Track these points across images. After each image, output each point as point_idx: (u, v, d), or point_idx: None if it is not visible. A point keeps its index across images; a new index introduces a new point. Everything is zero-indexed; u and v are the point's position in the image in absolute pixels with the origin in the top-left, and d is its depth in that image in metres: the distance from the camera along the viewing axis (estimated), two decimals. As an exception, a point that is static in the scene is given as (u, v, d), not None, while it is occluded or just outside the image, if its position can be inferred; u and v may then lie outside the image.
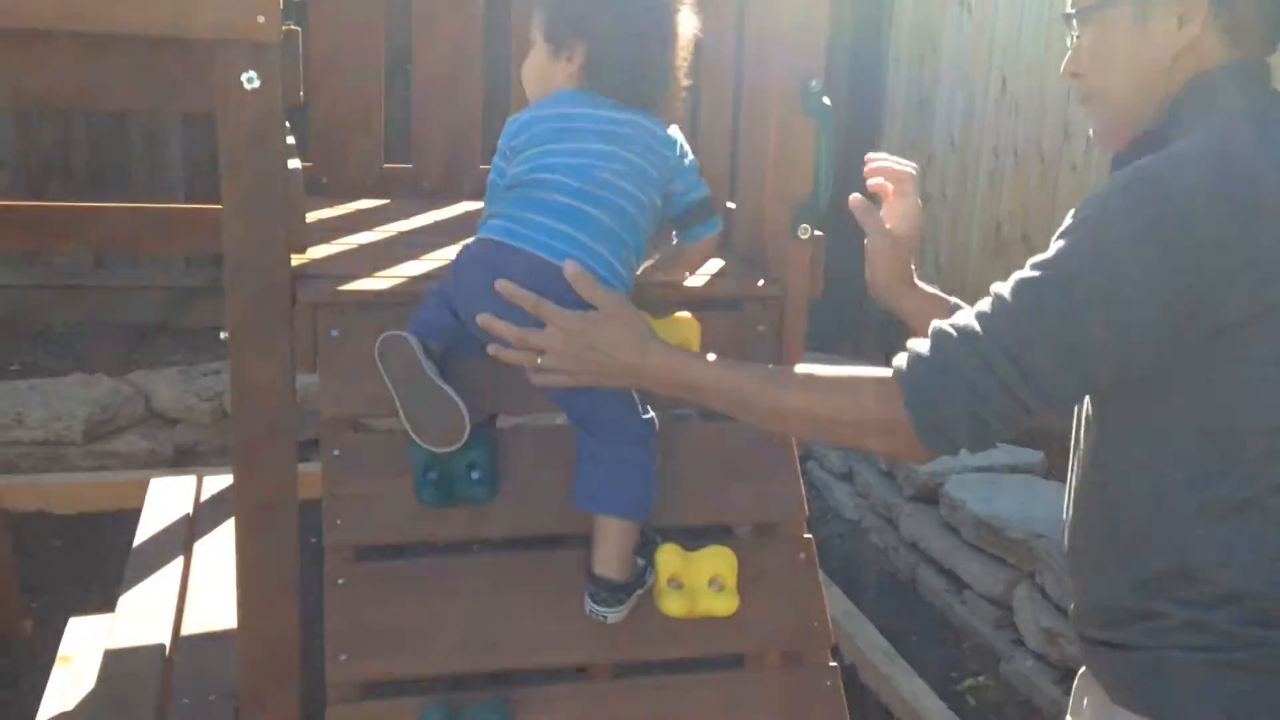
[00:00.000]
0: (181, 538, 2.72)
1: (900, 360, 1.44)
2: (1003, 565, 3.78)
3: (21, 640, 3.27)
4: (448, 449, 1.76)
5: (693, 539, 1.84)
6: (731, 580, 1.80)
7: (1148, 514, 1.41)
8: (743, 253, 2.20)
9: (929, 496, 4.18)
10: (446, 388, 1.74)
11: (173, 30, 1.77)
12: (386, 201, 2.54)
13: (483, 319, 1.65)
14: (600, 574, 1.73)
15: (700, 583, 1.79)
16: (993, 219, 5.33)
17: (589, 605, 1.73)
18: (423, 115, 2.56)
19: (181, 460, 4.74)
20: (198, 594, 2.44)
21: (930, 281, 1.78)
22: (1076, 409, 1.54)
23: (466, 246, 1.79)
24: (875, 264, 1.73)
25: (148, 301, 5.72)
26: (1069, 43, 1.57)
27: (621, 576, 1.73)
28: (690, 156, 1.89)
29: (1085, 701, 1.59)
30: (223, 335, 1.92)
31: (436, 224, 2.40)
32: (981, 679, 3.64)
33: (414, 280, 1.98)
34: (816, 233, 2.01)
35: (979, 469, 4.18)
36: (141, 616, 2.35)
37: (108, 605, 3.01)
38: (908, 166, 1.76)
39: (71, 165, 5.56)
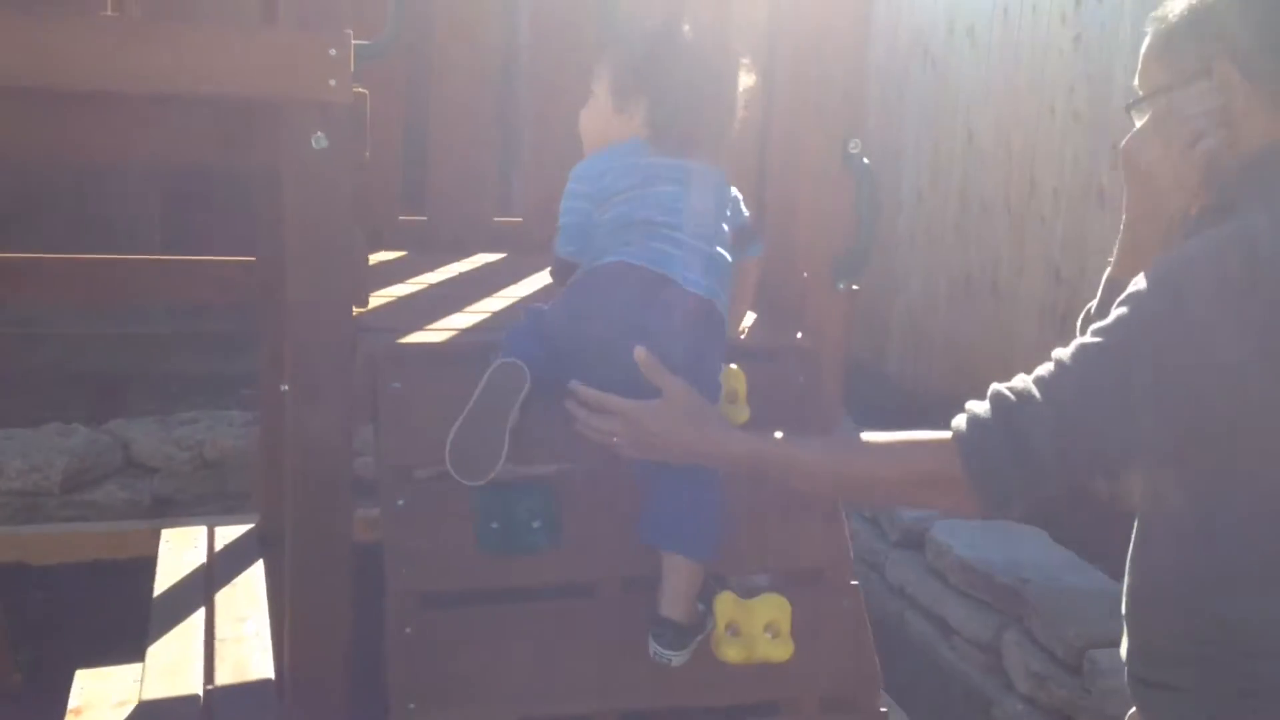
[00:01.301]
0: (200, 588, 2.72)
1: (959, 421, 1.50)
2: (990, 610, 3.85)
3: (12, 695, 3.24)
4: (468, 481, 1.79)
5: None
6: (786, 627, 1.85)
7: (1209, 561, 1.46)
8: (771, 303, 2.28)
9: (915, 542, 4.25)
10: (507, 439, 1.78)
11: (246, 91, 1.82)
12: (404, 253, 2.60)
13: (572, 387, 1.75)
14: (667, 616, 1.77)
15: (757, 629, 1.84)
16: (962, 269, 5.48)
17: (653, 648, 1.77)
18: (438, 169, 2.62)
19: (161, 510, 4.71)
20: (225, 644, 2.44)
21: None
22: None
23: (598, 268, 1.85)
24: None
25: (117, 350, 5.67)
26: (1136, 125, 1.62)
27: (687, 620, 1.78)
28: (734, 190, 2.01)
29: None
30: (284, 388, 1.95)
31: (468, 275, 2.46)
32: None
33: (467, 332, 2.04)
34: (854, 286, 2.09)
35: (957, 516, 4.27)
36: (172, 667, 2.34)
37: (107, 657, 2.99)
38: None
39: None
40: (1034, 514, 4.31)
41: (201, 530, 3.04)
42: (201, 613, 2.60)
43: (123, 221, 5.40)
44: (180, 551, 2.91)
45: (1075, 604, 3.65)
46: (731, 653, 1.82)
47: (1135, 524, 1.61)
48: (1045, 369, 1.48)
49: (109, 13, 1.76)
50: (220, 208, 5.16)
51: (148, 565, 4.35)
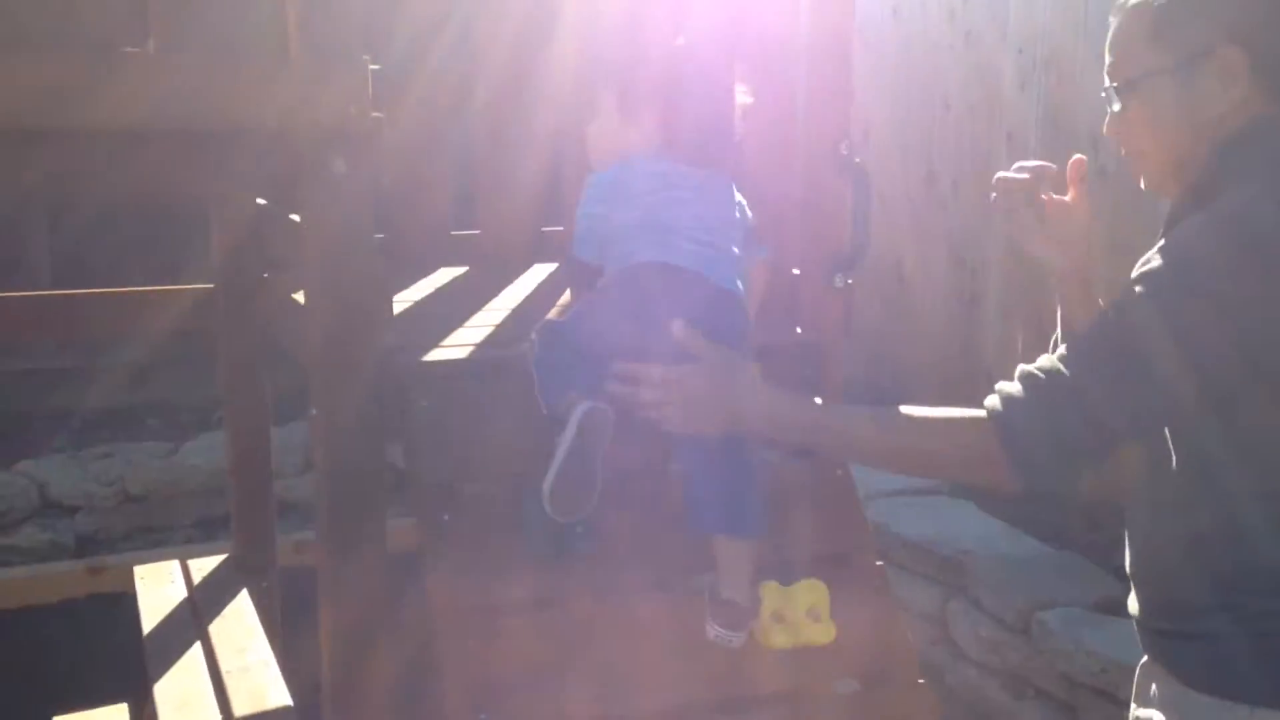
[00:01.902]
0: (189, 622, 2.68)
1: (993, 401, 1.60)
2: (934, 583, 4.01)
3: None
4: (566, 519, 1.83)
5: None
6: (825, 610, 1.93)
7: (1222, 516, 1.57)
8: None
9: (854, 525, 4.39)
10: (599, 476, 1.83)
11: (266, 122, 1.82)
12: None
13: (617, 369, 1.80)
14: (729, 598, 1.84)
15: (799, 615, 1.92)
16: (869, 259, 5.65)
17: (714, 630, 1.82)
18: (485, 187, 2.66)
19: (86, 550, 4.59)
20: (233, 675, 2.42)
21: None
22: None
23: (636, 267, 1.89)
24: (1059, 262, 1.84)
25: (9, 388, 5.48)
26: (1112, 108, 1.69)
27: (747, 600, 1.85)
28: (739, 196, 2.07)
29: (1154, 690, 1.71)
30: (313, 412, 1.96)
31: (445, 290, 2.49)
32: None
33: (483, 347, 2.07)
34: (849, 281, 2.19)
35: (891, 494, 4.43)
36: (185, 704, 2.32)
37: (67, 702, 2.92)
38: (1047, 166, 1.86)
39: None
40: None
41: (175, 564, 2.99)
42: (198, 647, 2.56)
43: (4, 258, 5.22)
44: (158, 587, 2.86)
45: (1017, 570, 3.83)
46: (779, 639, 1.89)
47: (1140, 481, 1.69)
48: (1066, 348, 1.58)
49: (130, 49, 1.74)
50: (120, 238, 5.06)
51: (75, 607, 4.26)
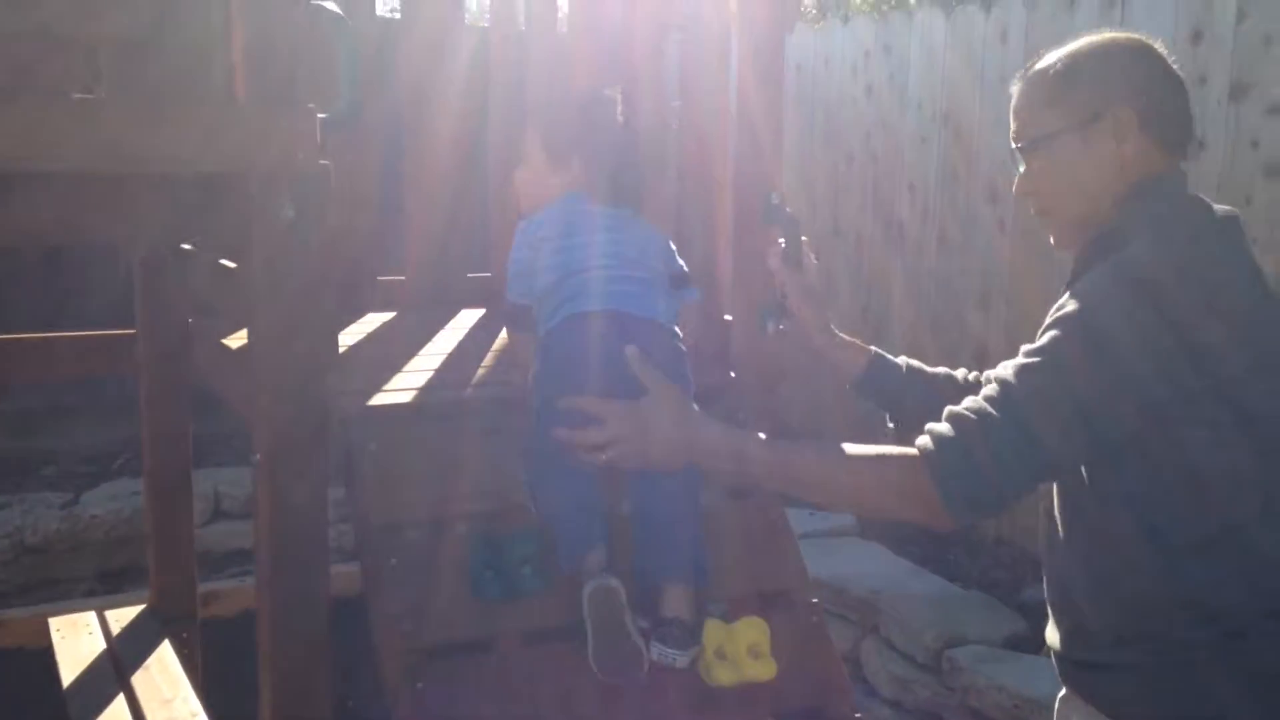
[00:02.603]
0: (111, 674, 2.63)
1: (924, 440, 1.68)
2: (847, 623, 4.10)
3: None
4: (618, 680, 1.84)
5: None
6: (766, 647, 1.98)
7: (1138, 551, 1.66)
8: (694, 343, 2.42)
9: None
10: (639, 640, 1.84)
11: (215, 166, 1.84)
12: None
13: (563, 405, 1.86)
14: (670, 615, 1.87)
15: (741, 652, 1.96)
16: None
17: (657, 650, 1.84)
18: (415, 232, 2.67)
19: (-21, 603, 4.43)
20: (160, 728, 2.38)
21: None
22: None
23: (557, 325, 1.97)
24: (800, 316, 2.06)
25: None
26: (1019, 169, 1.83)
27: (691, 619, 1.88)
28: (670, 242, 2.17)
29: None
30: (256, 457, 1.96)
31: (386, 333, 2.50)
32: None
33: (428, 390, 2.09)
34: (781, 327, 2.26)
35: (804, 535, 4.51)
36: (111, 757, 2.27)
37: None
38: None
39: None
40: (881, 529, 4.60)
41: (91, 615, 2.92)
42: (121, 699, 2.51)
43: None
44: (75, 639, 2.79)
45: (926, 609, 3.94)
46: (722, 676, 1.93)
47: (1056, 514, 1.79)
48: (992, 389, 1.66)
49: (79, 95, 1.74)
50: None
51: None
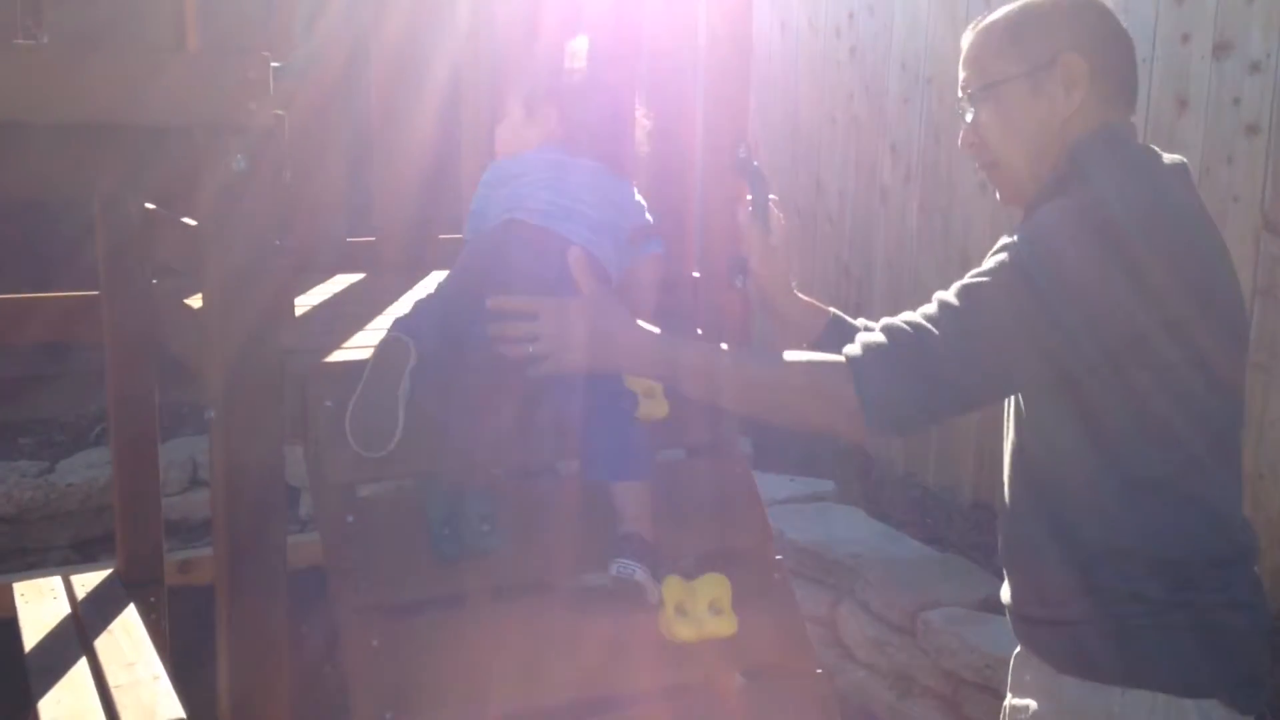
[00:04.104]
0: (74, 639, 2.60)
1: (853, 348, 1.67)
2: (824, 586, 4.09)
3: None
4: (371, 454, 1.84)
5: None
6: (727, 604, 1.96)
7: (1082, 497, 1.66)
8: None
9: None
10: (401, 410, 1.85)
11: (164, 118, 1.80)
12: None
13: (491, 301, 1.87)
14: (629, 531, 1.87)
15: (701, 608, 1.94)
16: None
17: (615, 568, 1.84)
18: (384, 191, 2.62)
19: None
20: (122, 690, 2.35)
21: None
22: (1006, 407, 1.80)
23: (492, 228, 2.00)
24: (760, 274, 2.02)
25: None
26: (967, 119, 1.81)
27: (648, 535, 1.87)
28: (638, 197, 2.16)
29: (1028, 677, 1.80)
30: (209, 414, 1.93)
31: (382, 294, 2.47)
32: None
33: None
34: (739, 284, 2.22)
35: (782, 501, 4.50)
36: (72, 720, 2.25)
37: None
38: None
39: None
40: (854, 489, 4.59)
41: (57, 580, 2.89)
42: (83, 663, 2.49)
43: None
44: (39, 604, 2.76)
45: (902, 572, 3.93)
46: (683, 632, 1.91)
47: (1007, 472, 1.79)
48: (932, 308, 1.65)
49: (20, 40, 1.70)
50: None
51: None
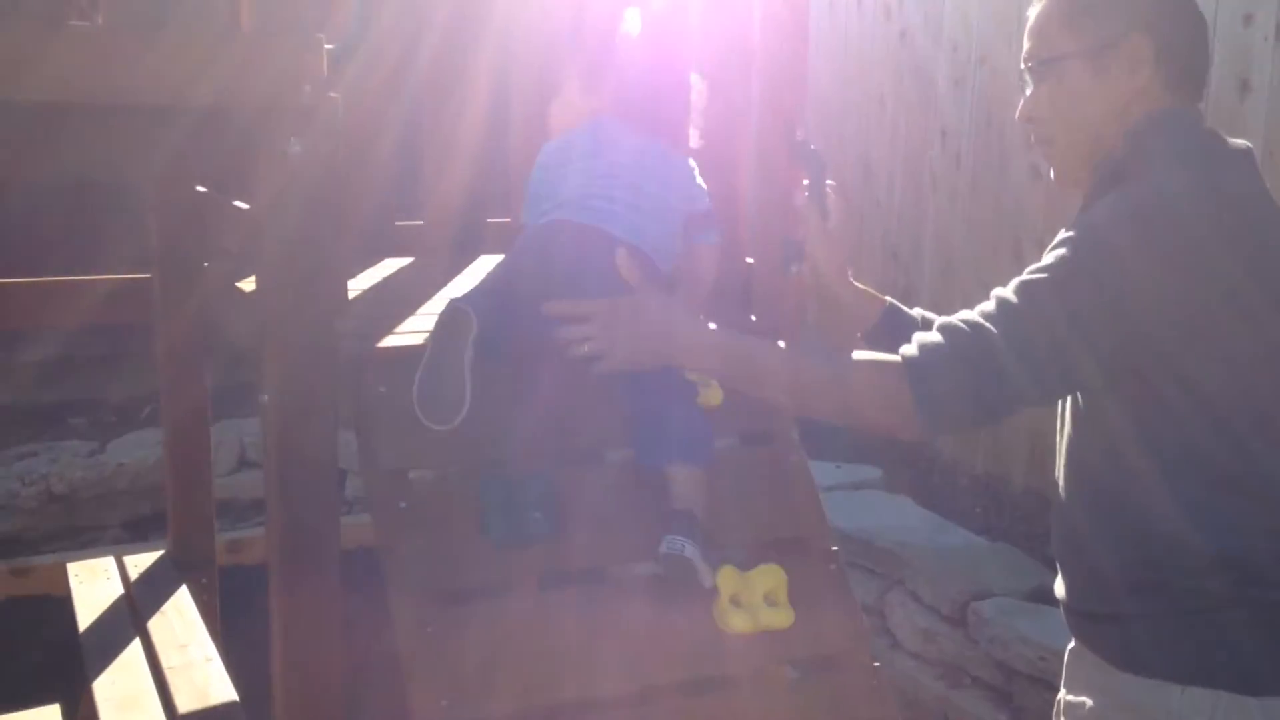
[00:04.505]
0: (127, 619, 2.62)
1: (909, 349, 1.63)
2: (872, 575, 4.05)
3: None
4: (441, 425, 1.83)
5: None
6: (783, 595, 1.94)
7: (1143, 494, 1.61)
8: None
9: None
10: (469, 378, 1.84)
11: (219, 100, 1.78)
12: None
13: (546, 306, 1.86)
14: (680, 507, 1.85)
15: (757, 599, 1.92)
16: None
17: (665, 544, 1.82)
18: (434, 177, 2.62)
19: (8, 551, 4.46)
20: (176, 672, 2.36)
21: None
22: (1061, 400, 1.75)
23: (540, 227, 2.00)
24: (817, 260, 1.98)
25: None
26: (1026, 92, 1.77)
27: (700, 515, 1.86)
28: (699, 179, 2.12)
29: (1084, 673, 1.75)
30: (264, 398, 1.92)
31: (432, 279, 2.46)
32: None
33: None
34: (794, 270, 2.19)
35: (829, 488, 4.46)
36: (126, 702, 2.26)
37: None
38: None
39: None
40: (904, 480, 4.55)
41: (110, 561, 2.91)
42: (137, 644, 2.50)
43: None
44: (93, 584, 2.78)
45: (951, 561, 3.89)
46: (738, 623, 1.90)
47: (1063, 467, 1.75)
48: (990, 306, 1.61)
49: (75, 22, 1.69)
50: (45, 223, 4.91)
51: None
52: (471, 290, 1.97)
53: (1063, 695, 1.81)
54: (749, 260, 2.29)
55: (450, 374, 1.82)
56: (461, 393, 1.82)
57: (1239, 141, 1.68)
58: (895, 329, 1.97)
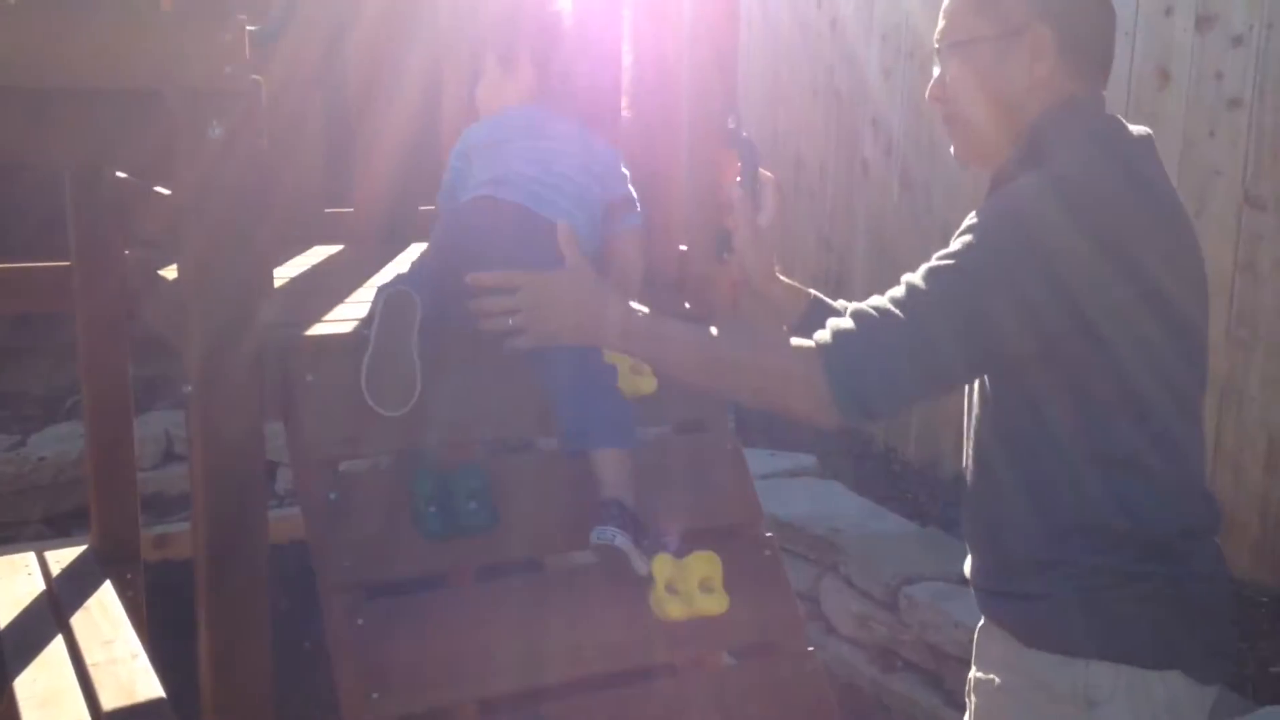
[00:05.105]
0: (49, 615, 2.56)
1: (823, 334, 1.64)
2: (806, 561, 4.07)
3: None
4: (393, 412, 1.82)
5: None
6: (718, 581, 1.94)
7: (1050, 473, 1.63)
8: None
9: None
10: (417, 362, 1.82)
11: (137, 82, 1.74)
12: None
13: (471, 277, 1.82)
14: (610, 496, 1.84)
15: (692, 586, 1.92)
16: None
17: (597, 533, 1.81)
18: (364, 163, 2.57)
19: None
20: (100, 668, 2.31)
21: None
22: (968, 387, 1.78)
23: (468, 203, 1.98)
24: (746, 260, 1.95)
25: None
26: (934, 72, 1.80)
27: (630, 503, 1.84)
28: (621, 163, 2.11)
29: (993, 650, 1.77)
30: (187, 389, 1.88)
31: (372, 262, 2.43)
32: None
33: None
34: (724, 258, 2.19)
35: (764, 476, 4.48)
36: (49, 698, 2.20)
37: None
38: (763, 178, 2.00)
39: None
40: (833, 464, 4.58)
41: (31, 556, 2.84)
42: (60, 640, 2.44)
43: None
44: (13, 580, 2.71)
45: (883, 546, 3.92)
46: (674, 610, 1.89)
47: (970, 449, 1.77)
48: (899, 291, 1.62)
49: (-10, 1, 1.64)
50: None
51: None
52: (409, 272, 1.93)
53: (973, 673, 1.83)
54: (682, 248, 2.28)
55: (400, 359, 1.80)
56: (412, 378, 1.80)
57: (1139, 128, 1.71)
58: (820, 322, 1.97)
